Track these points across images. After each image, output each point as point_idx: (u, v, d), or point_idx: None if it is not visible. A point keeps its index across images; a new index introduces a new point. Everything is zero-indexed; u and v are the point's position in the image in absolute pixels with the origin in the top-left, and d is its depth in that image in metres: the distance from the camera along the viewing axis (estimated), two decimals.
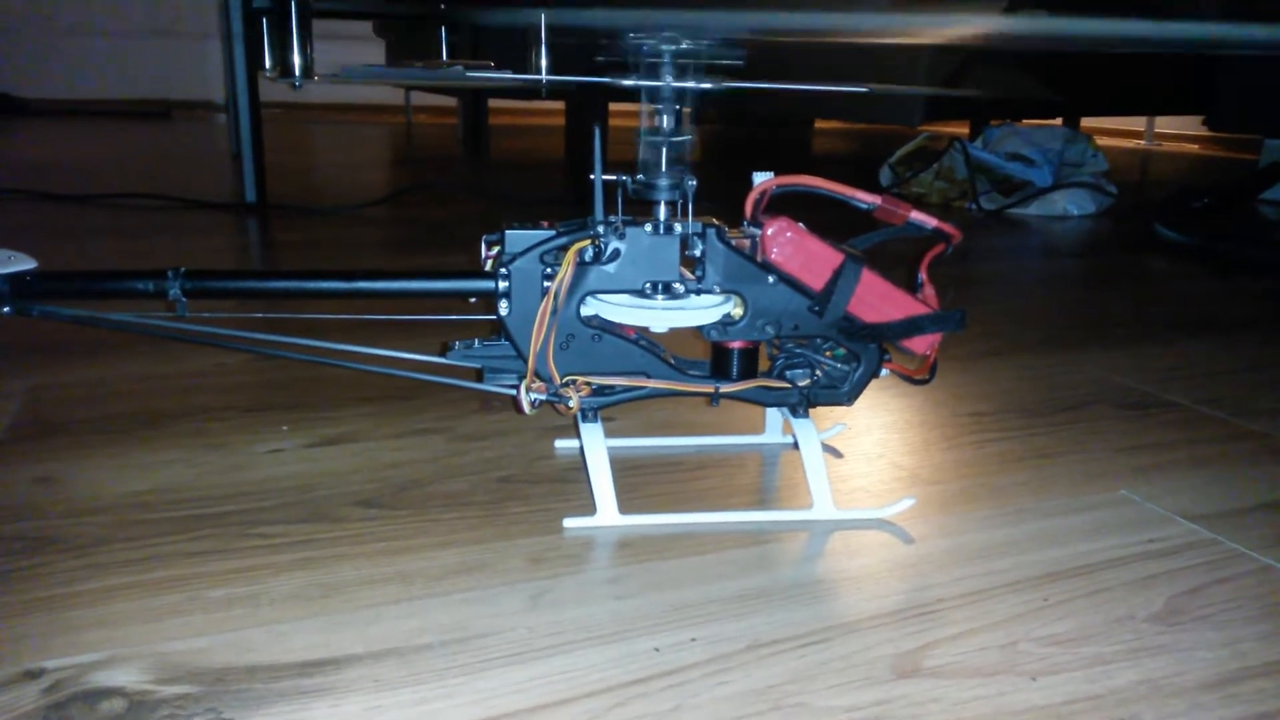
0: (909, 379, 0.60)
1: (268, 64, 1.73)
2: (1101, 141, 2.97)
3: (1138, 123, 3.61)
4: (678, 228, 0.56)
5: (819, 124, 3.76)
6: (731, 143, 3.06)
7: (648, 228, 0.56)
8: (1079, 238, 1.63)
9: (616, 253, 0.56)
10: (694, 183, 0.57)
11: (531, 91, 2.77)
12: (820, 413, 0.72)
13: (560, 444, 0.66)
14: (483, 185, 2.04)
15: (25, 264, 0.56)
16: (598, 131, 0.56)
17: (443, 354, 0.59)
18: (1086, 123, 2.91)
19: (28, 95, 3.56)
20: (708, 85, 0.56)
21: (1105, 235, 1.66)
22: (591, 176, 0.55)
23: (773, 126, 3.56)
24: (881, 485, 0.62)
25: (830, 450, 0.67)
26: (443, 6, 1.88)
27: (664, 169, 0.56)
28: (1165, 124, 3.57)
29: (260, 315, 0.66)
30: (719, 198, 0.62)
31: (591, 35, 0.58)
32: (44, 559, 0.49)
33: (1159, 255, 1.46)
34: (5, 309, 0.56)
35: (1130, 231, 1.66)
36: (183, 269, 0.56)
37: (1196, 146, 3.43)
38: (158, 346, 0.82)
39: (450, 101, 3.32)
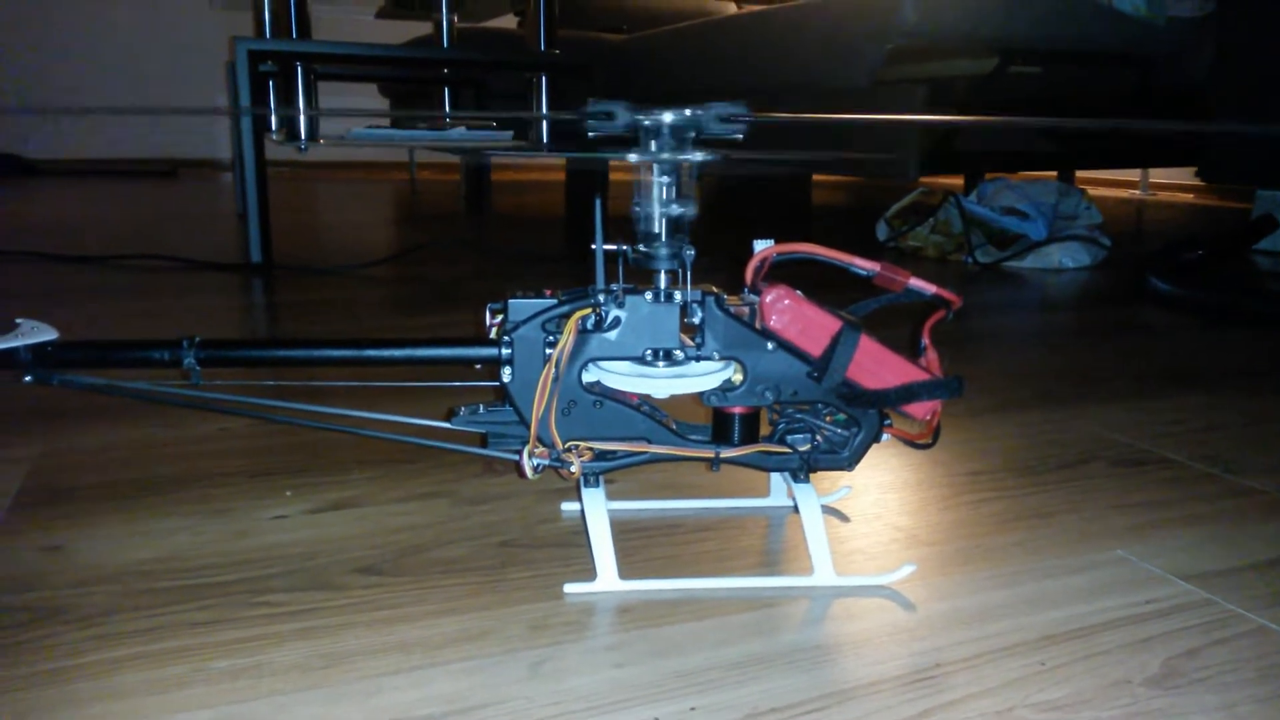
0: (911, 443, 0.61)
1: (274, 127, 1.76)
2: (1096, 192, 3.00)
3: (1133, 173, 3.65)
4: (677, 295, 0.57)
5: (817, 177, 3.80)
6: (731, 196, 3.10)
7: (648, 296, 0.57)
8: (1074, 291, 1.64)
9: (617, 321, 0.57)
10: (693, 252, 0.58)
11: (534, 152, 2.81)
12: (827, 475, 0.72)
13: (566, 506, 0.67)
14: (485, 243, 2.07)
15: (46, 334, 0.57)
16: (599, 203, 0.57)
17: (448, 419, 0.60)
18: (1082, 175, 2.95)
19: (36, 156, 3.62)
20: (703, 157, 0.58)
21: (1100, 288, 1.67)
22: (593, 246, 0.56)
23: (771, 181, 3.60)
24: (880, 547, 0.63)
25: (835, 514, 0.68)
26: (445, 71, 1.92)
27: (663, 238, 0.58)
28: (1160, 174, 3.62)
29: (270, 384, 0.67)
30: (717, 251, 0.63)
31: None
32: (50, 629, 0.50)
33: (1154, 307, 1.47)
34: (26, 378, 0.57)
35: (1125, 284, 1.68)
36: (197, 338, 0.57)
37: (1191, 196, 3.47)
38: (165, 412, 0.83)
39: (454, 159, 3.37)
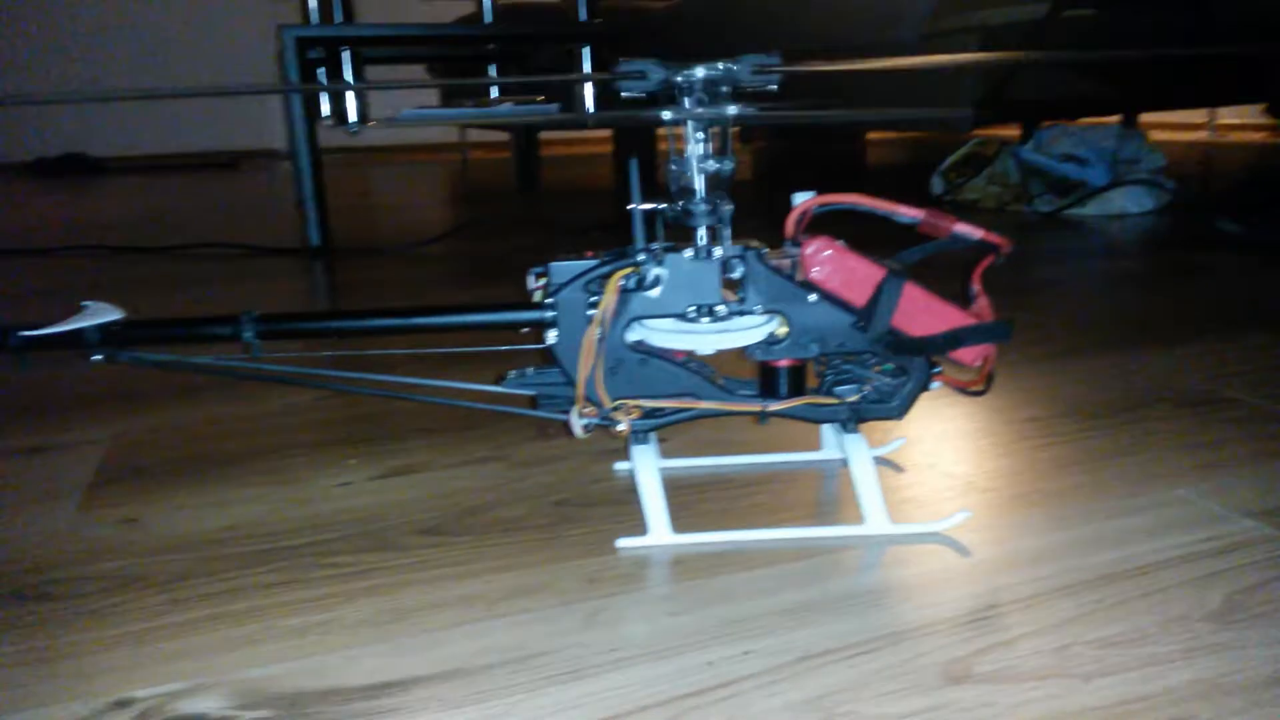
0: (964, 391, 0.61)
1: (325, 112, 1.79)
2: (1162, 135, 2.90)
3: (1199, 115, 3.53)
4: (717, 251, 0.58)
5: (871, 135, 3.74)
6: (785, 159, 3.07)
7: (688, 253, 0.58)
8: (1138, 236, 1.60)
9: (658, 279, 0.57)
10: (731, 207, 0.58)
11: (579, 122, 2.81)
12: (883, 427, 0.72)
13: (619, 466, 0.68)
14: (536, 217, 2.08)
15: (113, 314, 0.60)
16: (634, 164, 0.58)
17: (498, 383, 0.61)
18: (1147, 118, 2.86)
19: (102, 154, 3.72)
20: (737, 110, 0.58)
21: (1165, 232, 1.63)
22: (630, 206, 0.57)
23: (825, 141, 3.55)
24: (934, 495, 0.63)
25: (889, 464, 0.68)
26: (490, 47, 1.93)
27: (701, 195, 0.58)
28: (1228, 114, 3.49)
29: (326, 354, 0.69)
30: (774, 214, 0.62)
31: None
32: (130, 595, 0.53)
33: (1221, 249, 1.43)
34: (96, 356, 0.60)
35: (1190, 226, 1.63)
36: (255, 313, 0.59)
37: (1262, 134, 3.34)
38: (232, 389, 0.86)
39: (505, 136, 3.38)
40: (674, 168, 0.58)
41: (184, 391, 0.87)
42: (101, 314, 0.59)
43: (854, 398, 0.60)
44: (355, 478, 0.67)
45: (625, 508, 0.61)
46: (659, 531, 0.56)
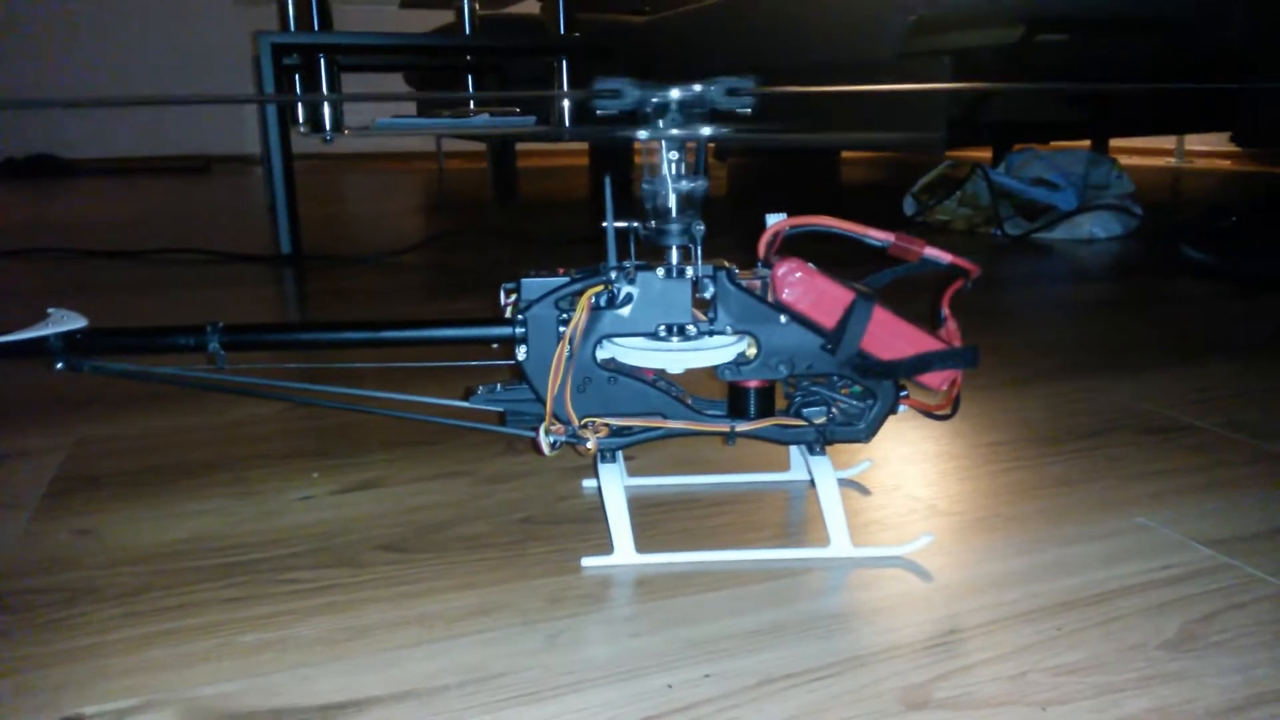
0: (930, 414, 0.61)
1: (300, 119, 1.78)
2: (1131, 161, 2.95)
3: (1168, 141, 3.59)
4: (689, 271, 0.58)
5: (845, 154, 3.78)
6: (760, 176, 3.08)
7: (659, 272, 0.58)
8: (1105, 261, 1.62)
9: (629, 297, 0.57)
10: (703, 227, 0.58)
11: (554, 136, 2.82)
12: (851, 448, 0.72)
13: (587, 483, 0.68)
14: (513, 228, 2.08)
15: (76, 322, 0.59)
16: (608, 182, 0.58)
17: (466, 398, 0.61)
18: (1115, 143, 2.90)
19: (72, 156, 3.68)
20: (710, 132, 0.58)
21: (1131, 257, 1.65)
22: (604, 224, 0.57)
23: (799, 159, 3.58)
24: (898, 518, 0.63)
25: (855, 486, 0.68)
26: (469, 58, 1.92)
27: (674, 215, 0.58)
28: (1196, 140, 3.55)
29: (294, 366, 0.69)
30: (748, 230, 0.62)
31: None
32: (83, 609, 0.52)
33: (1186, 276, 1.45)
34: (58, 365, 0.59)
35: (1157, 253, 1.65)
36: (221, 324, 0.59)
37: (1229, 162, 3.40)
38: (197, 398, 0.85)
39: (481, 147, 3.38)
40: (647, 187, 0.58)
41: (145, 400, 0.86)
42: (65, 322, 0.59)
43: (821, 420, 0.60)
44: (318, 491, 0.67)
45: (592, 526, 0.61)
46: (624, 551, 0.56)
